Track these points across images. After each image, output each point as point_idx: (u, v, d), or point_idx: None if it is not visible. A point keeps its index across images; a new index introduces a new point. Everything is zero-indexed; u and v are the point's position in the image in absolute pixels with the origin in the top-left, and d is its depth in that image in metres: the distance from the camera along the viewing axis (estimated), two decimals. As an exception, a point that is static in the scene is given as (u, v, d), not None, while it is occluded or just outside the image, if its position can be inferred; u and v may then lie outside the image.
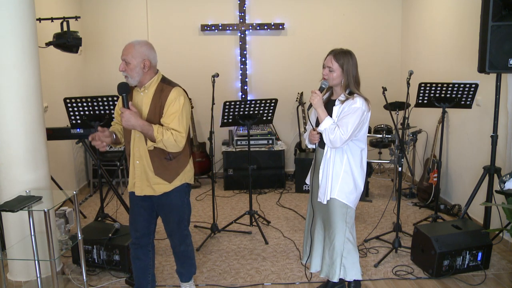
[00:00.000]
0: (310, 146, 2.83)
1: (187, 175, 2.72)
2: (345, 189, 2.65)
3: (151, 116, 2.55)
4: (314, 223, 2.88)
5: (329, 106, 2.67)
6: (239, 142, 5.56)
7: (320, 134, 2.66)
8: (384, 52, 6.09)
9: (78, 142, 4.26)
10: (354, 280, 2.79)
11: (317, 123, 2.70)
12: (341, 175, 2.64)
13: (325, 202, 2.69)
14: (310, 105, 2.65)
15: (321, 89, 2.63)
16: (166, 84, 2.59)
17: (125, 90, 2.48)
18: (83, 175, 5.70)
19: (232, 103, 3.91)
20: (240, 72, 5.96)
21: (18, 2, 2.92)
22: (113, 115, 3.69)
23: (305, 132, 2.89)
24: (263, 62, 6.03)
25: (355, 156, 2.66)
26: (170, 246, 3.80)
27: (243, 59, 5.92)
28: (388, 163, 5.94)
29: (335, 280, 2.73)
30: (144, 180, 2.64)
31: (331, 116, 2.61)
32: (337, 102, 2.64)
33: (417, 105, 3.97)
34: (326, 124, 2.56)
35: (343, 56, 2.60)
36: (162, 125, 2.53)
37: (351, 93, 2.61)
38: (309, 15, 5.94)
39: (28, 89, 3.03)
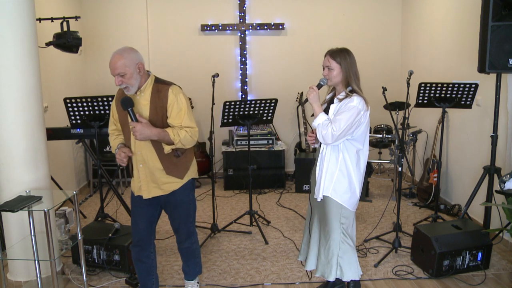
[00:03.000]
0: (312, 145, 2.85)
1: (193, 169, 2.76)
2: (339, 188, 2.65)
3: (153, 117, 2.55)
4: (311, 221, 2.89)
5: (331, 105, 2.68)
6: (239, 142, 5.56)
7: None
8: (384, 52, 6.09)
9: (78, 142, 4.25)
10: (353, 280, 2.79)
11: None
12: (336, 174, 2.65)
13: (319, 200, 2.70)
14: (306, 100, 2.67)
15: (319, 86, 2.65)
16: (161, 84, 2.58)
17: (130, 104, 2.47)
18: (83, 175, 5.70)
19: (232, 103, 3.91)
20: (240, 72, 5.96)
21: (18, 2, 2.92)
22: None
23: (306, 133, 2.90)
24: (263, 62, 6.03)
25: (351, 156, 2.65)
26: (170, 246, 3.82)
27: (243, 59, 5.92)
28: (388, 163, 5.94)
29: (331, 279, 2.73)
30: (150, 183, 2.64)
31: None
32: (335, 100, 2.66)
33: (417, 105, 3.97)
34: (320, 120, 2.58)
35: (339, 54, 2.62)
36: (169, 126, 2.55)
37: (351, 91, 2.62)
38: (309, 15, 5.94)
39: (28, 89, 3.03)
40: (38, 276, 2.90)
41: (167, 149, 2.54)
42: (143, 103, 2.56)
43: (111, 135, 2.80)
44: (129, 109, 2.46)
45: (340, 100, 2.62)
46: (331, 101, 2.73)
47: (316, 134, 2.65)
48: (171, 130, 2.51)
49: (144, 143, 2.57)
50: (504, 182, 3.15)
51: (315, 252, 2.88)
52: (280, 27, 5.87)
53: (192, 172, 2.76)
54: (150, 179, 2.64)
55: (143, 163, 2.62)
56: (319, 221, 2.83)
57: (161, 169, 2.61)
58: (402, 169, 3.73)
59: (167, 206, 2.75)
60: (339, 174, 2.65)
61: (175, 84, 2.62)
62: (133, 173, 2.70)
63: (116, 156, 2.62)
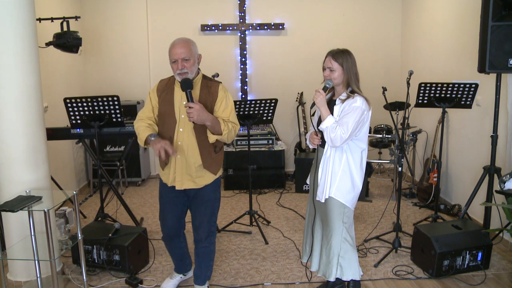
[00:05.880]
0: (312, 146, 2.84)
1: (221, 167, 2.83)
2: (343, 188, 2.66)
3: None
4: (315, 222, 2.89)
5: (331, 105, 2.68)
6: (239, 142, 5.56)
7: (321, 135, 2.67)
8: (384, 52, 6.09)
9: (78, 142, 4.25)
10: (353, 280, 2.79)
11: (318, 124, 2.71)
12: (339, 174, 2.65)
13: (323, 201, 2.70)
14: (313, 104, 2.67)
15: (324, 89, 2.65)
16: (209, 80, 2.66)
17: (190, 85, 2.50)
18: (83, 175, 5.70)
19: (232, 103, 3.91)
20: (240, 72, 5.97)
21: (18, 2, 2.92)
22: (112, 115, 3.70)
23: (306, 133, 2.90)
24: (263, 62, 6.03)
25: (355, 156, 2.66)
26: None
27: (243, 59, 5.93)
28: (388, 163, 5.94)
29: (332, 279, 2.74)
30: (185, 174, 2.67)
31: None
32: (337, 101, 2.65)
33: (417, 105, 3.97)
34: (328, 123, 2.58)
35: (341, 55, 2.62)
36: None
37: (352, 92, 2.62)
38: (309, 15, 5.95)
39: (28, 89, 3.03)
40: (38, 276, 2.90)
41: (213, 138, 2.57)
42: (193, 95, 2.59)
43: (141, 121, 2.69)
44: (188, 90, 2.48)
45: (343, 101, 2.62)
46: (329, 102, 2.73)
47: (319, 136, 2.66)
48: (222, 120, 2.57)
49: (187, 134, 2.60)
50: (504, 182, 3.15)
51: (318, 252, 2.89)
52: (280, 27, 5.87)
53: (221, 169, 2.82)
54: (185, 171, 2.66)
55: (181, 154, 2.63)
56: (322, 221, 2.83)
57: (200, 162, 2.64)
58: (402, 169, 3.73)
59: (193, 201, 2.77)
60: (342, 174, 2.65)
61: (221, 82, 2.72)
62: (167, 163, 2.69)
63: (155, 149, 2.51)
